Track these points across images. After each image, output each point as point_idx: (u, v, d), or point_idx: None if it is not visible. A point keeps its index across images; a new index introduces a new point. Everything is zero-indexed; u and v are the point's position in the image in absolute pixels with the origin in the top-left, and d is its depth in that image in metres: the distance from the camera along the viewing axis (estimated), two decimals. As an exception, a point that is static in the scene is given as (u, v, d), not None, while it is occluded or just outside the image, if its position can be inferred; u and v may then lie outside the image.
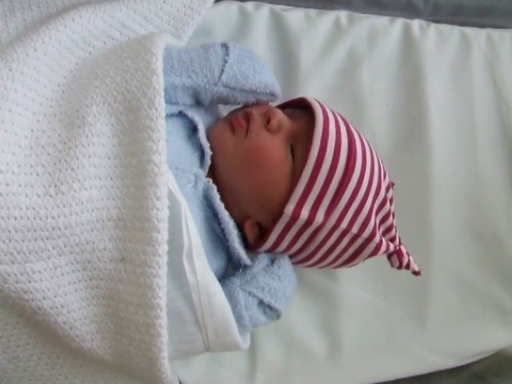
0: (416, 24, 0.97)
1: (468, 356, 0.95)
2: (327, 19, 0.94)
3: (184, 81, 0.72)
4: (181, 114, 0.74)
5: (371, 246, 0.75)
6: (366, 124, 0.93)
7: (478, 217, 0.97)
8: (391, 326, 0.93)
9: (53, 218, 0.57)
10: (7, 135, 0.57)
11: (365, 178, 0.71)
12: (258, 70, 0.76)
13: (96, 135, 0.61)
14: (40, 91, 0.62)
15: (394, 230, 0.80)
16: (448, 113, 0.96)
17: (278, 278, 0.76)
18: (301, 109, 0.76)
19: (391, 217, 0.79)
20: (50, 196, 0.57)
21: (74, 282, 0.61)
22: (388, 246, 0.76)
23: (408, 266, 0.79)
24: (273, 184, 0.71)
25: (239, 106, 0.79)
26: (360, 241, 0.75)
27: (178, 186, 0.66)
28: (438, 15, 0.99)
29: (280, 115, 0.73)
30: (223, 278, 0.75)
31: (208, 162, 0.73)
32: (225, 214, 0.71)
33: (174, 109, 0.73)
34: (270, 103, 0.80)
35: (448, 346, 0.94)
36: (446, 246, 0.95)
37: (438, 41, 0.97)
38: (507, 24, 1.02)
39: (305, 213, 0.70)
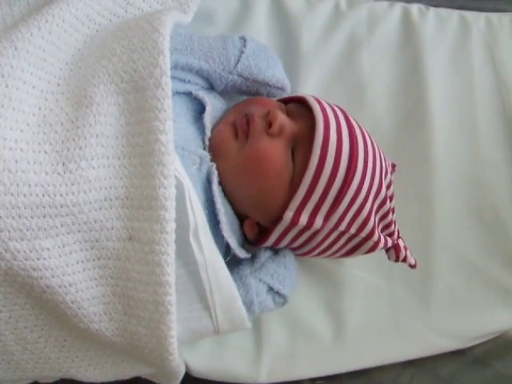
0: (415, 8, 0.97)
1: (472, 338, 0.95)
2: (327, 3, 0.94)
3: (201, 64, 0.74)
4: (191, 95, 0.75)
5: (369, 244, 0.76)
6: (366, 107, 0.93)
7: (479, 199, 0.97)
8: (395, 308, 0.93)
9: (61, 195, 0.57)
10: (15, 113, 0.57)
11: (365, 182, 0.71)
12: (271, 65, 0.79)
13: (103, 115, 0.61)
14: (47, 69, 0.62)
15: (393, 225, 0.80)
16: (448, 96, 0.96)
17: (284, 266, 0.78)
18: (303, 105, 0.76)
19: (391, 214, 0.79)
20: (58, 174, 0.58)
21: (82, 261, 0.62)
22: (386, 243, 0.77)
23: (405, 260, 0.80)
24: (272, 191, 0.71)
25: (239, 102, 0.80)
26: (358, 239, 0.76)
27: (182, 167, 0.66)
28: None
29: (281, 118, 0.72)
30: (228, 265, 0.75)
31: (207, 143, 0.73)
32: (218, 201, 0.70)
33: (185, 87, 0.74)
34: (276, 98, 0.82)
35: (452, 327, 0.93)
36: (449, 228, 0.95)
37: (438, 24, 0.97)
38: (504, 8, 1.02)
39: (304, 219, 0.71)
